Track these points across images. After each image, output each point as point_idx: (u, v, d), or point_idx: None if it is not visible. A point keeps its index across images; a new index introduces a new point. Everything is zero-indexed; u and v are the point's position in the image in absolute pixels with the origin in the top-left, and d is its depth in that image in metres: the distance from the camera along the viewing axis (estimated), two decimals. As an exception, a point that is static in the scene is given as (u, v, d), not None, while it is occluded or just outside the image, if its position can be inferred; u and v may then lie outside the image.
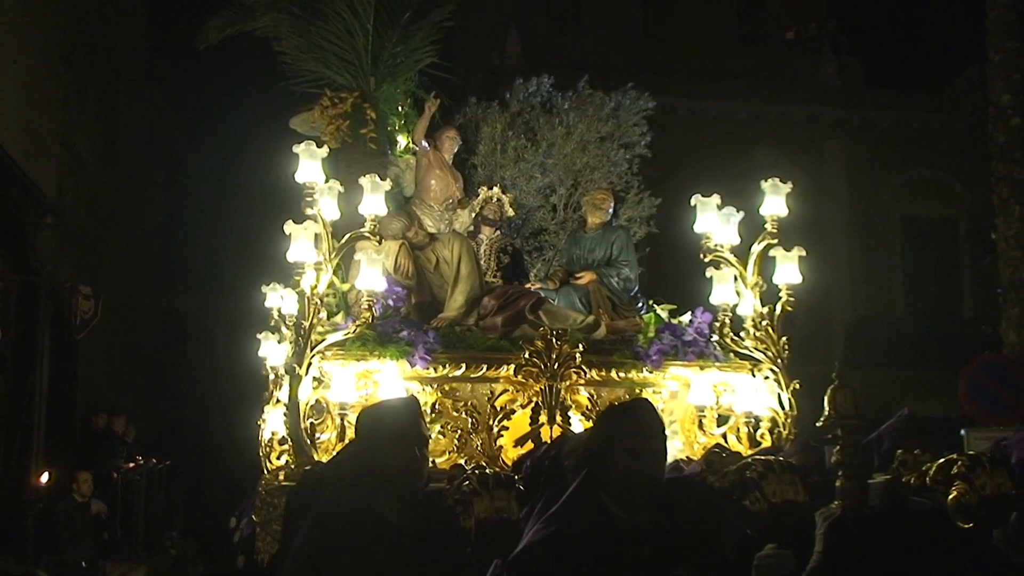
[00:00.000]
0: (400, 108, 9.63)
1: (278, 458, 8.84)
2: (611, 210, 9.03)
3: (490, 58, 20.10)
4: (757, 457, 3.74)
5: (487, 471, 3.41)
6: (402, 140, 9.60)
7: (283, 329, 9.14)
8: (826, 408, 4.09)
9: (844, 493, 3.59)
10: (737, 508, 3.46)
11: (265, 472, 9.25)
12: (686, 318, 8.28)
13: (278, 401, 9.04)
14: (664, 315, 8.37)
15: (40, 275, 13.92)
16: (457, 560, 3.47)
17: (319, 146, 7.31)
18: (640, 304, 8.61)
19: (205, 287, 25.70)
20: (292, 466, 6.97)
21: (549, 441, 7.09)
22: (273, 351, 9.20)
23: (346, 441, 6.87)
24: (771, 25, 23.11)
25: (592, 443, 3.54)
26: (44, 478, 12.90)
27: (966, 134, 19.57)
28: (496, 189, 9.12)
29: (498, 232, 9.05)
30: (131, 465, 15.05)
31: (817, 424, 4.08)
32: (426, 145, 9.19)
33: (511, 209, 9.17)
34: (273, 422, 8.99)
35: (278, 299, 9.23)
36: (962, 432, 11.59)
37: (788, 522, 3.43)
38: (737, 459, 3.62)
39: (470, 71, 17.39)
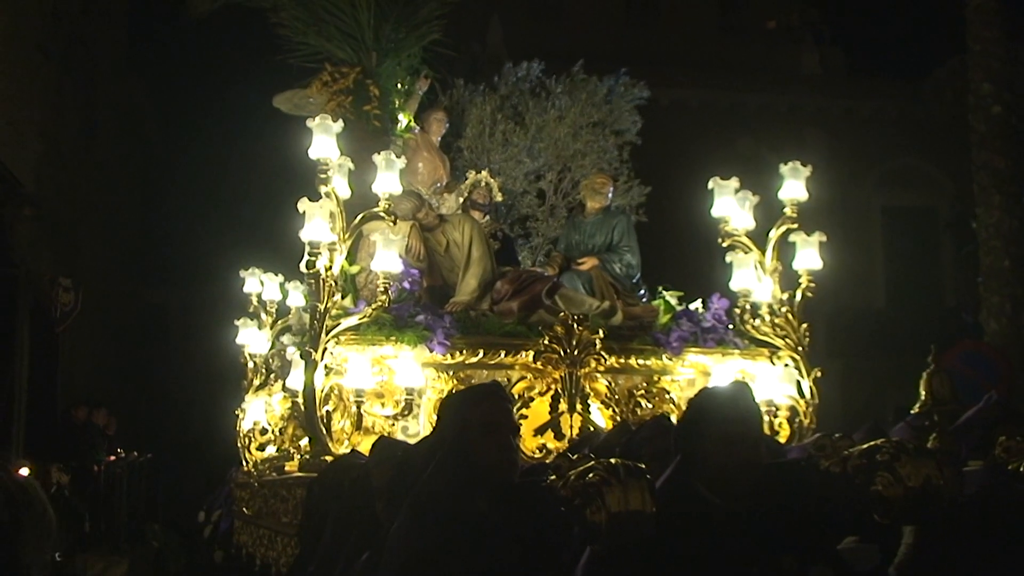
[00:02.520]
0: (399, 85, 9.28)
1: (259, 449, 8.73)
2: (610, 195, 8.86)
3: (471, 47, 20.03)
4: (884, 440, 3.44)
5: (614, 460, 3.05)
6: (403, 118, 9.29)
7: (262, 315, 9.03)
8: (922, 393, 3.94)
9: None
10: (864, 494, 3.23)
11: (245, 464, 9.14)
12: (695, 305, 8.17)
13: (258, 389, 8.95)
14: (673, 301, 8.22)
15: (19, 267, 13.82)
16: (555, 557, 3.21)
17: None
18: (641, 291, 8.48)
19: (186, 278, 25.53)
20: (307, 457, 6.72)
21: (570, 431, 6.97)
22: (252, 338, 9.09)
23: (362, 430, 6.72)
24: (753, 15, 23.12)
25: (686, 430, 3.38)
26: (24, 472, 12.80)
27: (947, 123, 19.61)
28: (485, 173, 8.89)
29: (487, 217, 8.86)
30: (112, 458, 14.95)
31: (913, 410, 3.95)
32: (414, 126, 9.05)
33: (499, 194, 8.97)
34: (254, 412, 8.84)
35: (257, 284, 9.08)
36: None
37: (927, 506, 3.20)
38: (849, 444, 3.37)
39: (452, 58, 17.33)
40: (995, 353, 12.86)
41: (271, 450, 8.45)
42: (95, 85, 19.92)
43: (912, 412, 4.11)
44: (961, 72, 15.78)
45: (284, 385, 7.77)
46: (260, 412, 8.73)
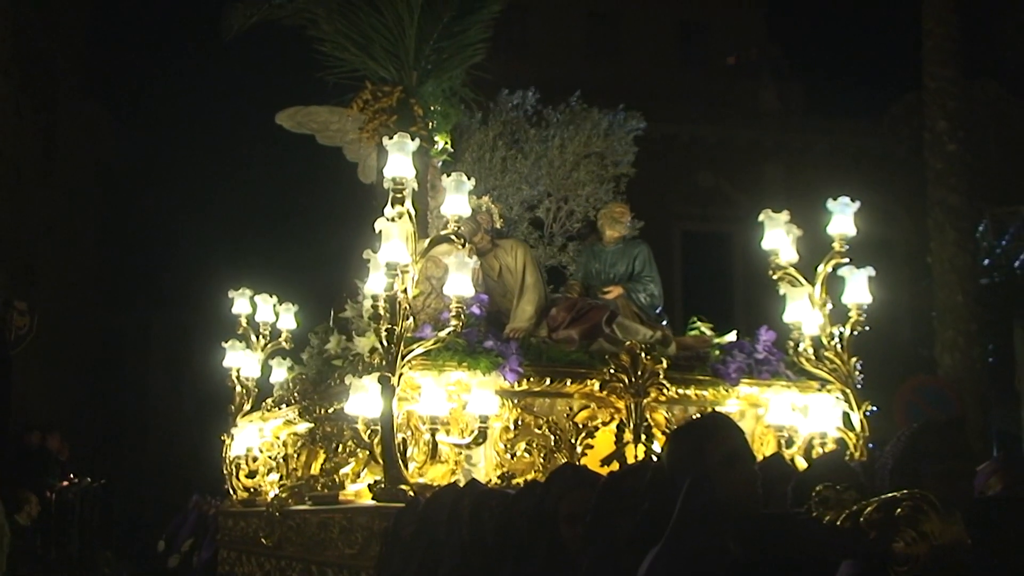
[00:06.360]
0: (432, 108, 8.89)
1: (249, 476, 8.47)
2: (629, 224, 8.72)
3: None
4: None
5: (920, 492, 2.82)
6: (439, 140, 8.91)
7: (253, 338, 8.77)
8: None
9: None
10: None
11: (234, 492, 8.75)
12: (731, 337, 8.04)
13: (247, 414, 8.67)
14: (708, 333, 8.08)
15: (-27, 290, 13.66)
16: None
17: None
18: (664, 321, 8.30)
19: (143, 302, 25.34)
20: (382, 486, 6.24)
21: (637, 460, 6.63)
22: (242, 361, 8.79)
23: (437, 458, 6.38)
24: (713, 49, 23.39)
25: (901, 466, 3.23)
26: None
27: (903, 159, 19.89)
28: (486, 198, 8.54)
29: None
30: (65, 483, 14.75)
31: None
32: None
33: (500, 220, 8.63)
34: (245, 438, 8.59)
35: (247, 305, 8.80)
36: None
37: None
38: None
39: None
40: (948, 387, 13.03)
41: (273, 477, 8.15)
42: (54, 106, 19.76)
43: None
44: (917, 109, 16.04)
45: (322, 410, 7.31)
46: (253, 438, 8.48)
